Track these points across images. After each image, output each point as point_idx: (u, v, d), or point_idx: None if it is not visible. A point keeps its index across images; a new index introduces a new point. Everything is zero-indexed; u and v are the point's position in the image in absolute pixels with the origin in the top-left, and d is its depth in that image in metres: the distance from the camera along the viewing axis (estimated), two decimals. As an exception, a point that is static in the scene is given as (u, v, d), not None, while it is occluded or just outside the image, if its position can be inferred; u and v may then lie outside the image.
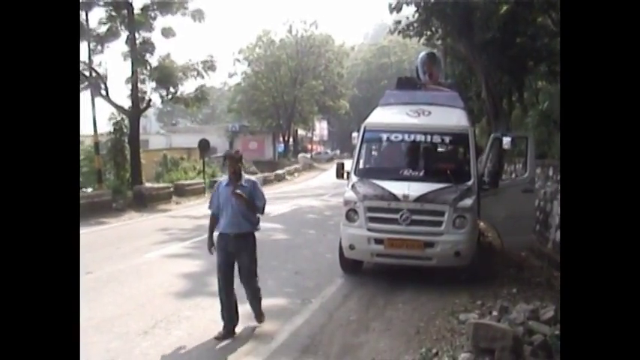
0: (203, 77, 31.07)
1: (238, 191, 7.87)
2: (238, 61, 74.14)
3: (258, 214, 8.33)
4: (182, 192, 29.23)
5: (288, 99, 70.63)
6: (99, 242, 16.00)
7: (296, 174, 54.78)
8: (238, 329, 8.38)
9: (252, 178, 8.55)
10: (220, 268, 8.16)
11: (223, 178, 8.39)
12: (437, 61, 15.27)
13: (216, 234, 8.27)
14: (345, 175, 11.84)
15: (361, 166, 11.94)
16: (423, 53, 15.85)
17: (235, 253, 8.14)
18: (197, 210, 23.51)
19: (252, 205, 8.10)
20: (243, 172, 8.25)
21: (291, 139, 76.09)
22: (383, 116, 12.45)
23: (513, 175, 18.45)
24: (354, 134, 12.41)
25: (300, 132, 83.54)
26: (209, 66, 30.93)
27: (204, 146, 35.24)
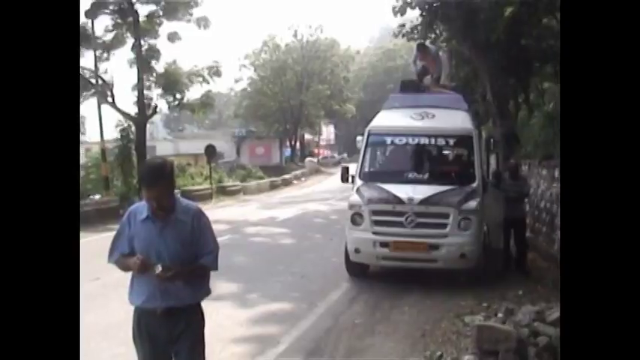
0: (209, 83, 31.35)
1: (161, 271, 4.27)
2: (244, 66, 74.02)
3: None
4: (189, 198, 28.69)
5: (295, 103, 70.49)
6: (106, 248, 16.03)
7: (303, 178, 54.79)
8: (244, 331, 8.49)
9: (193, 204, 4.81)
10: None
11: (139, 204, 4.69)
12: (429, 51, 15.21)
13: (130, 309, 4.73)
14: (350, 178, 11.84)
15: (366, 169, 11.95)
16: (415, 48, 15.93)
17: (168, 345, 4.59)
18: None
19: (195, 265, 4.53)
20: (178, 196, 4.70)
21: (297, 144, 76.02)
22: (387, 119, 12.47)
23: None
24: (359, 138, 12.45)
25: (307, 136, 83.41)
26: (214, 71, 31.13)
27: (210, 152, 35.37)
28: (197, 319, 4.70)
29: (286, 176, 49.96)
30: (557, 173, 14.01)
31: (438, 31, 25.21)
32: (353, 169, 12.12)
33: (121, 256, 4.62)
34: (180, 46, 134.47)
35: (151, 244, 4.43)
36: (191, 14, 29.43)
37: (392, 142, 12.18)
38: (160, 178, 4.34)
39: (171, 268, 4.28)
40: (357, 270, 11.74)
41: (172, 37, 29.65)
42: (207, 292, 4.73)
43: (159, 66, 29.70)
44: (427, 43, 21.78)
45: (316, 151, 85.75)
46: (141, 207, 4.58)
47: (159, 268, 4.24)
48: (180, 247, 4.44)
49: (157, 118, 57.52)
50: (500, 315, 8.19)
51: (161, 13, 28.93)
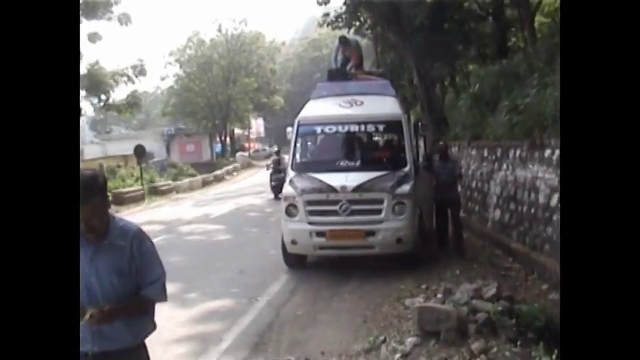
0: (134, 82, 30.83)
1: (89, 317, 3.41)
2: (170, 63, 73.33)
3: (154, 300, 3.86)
4: (121, 200, 28.73)
5: (222, 98, 70.02)
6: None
7: (235, 173, 54.49)
8: (186, 331, 8.45)
9: (133, 224, 3.80)
10: None
11: None
12: (352, 43, 15.30)
13: None
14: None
15: (298, 160, 11.96)
16: (336, 40, 15.98)
17: None
18: (137, 217, 23.11)
19: (137, 299, 3.72)
20: (113, 215, 3.75)
21: (228, 139, 75.59)
22: (316, 109, 12.47)
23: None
24: (289, 129, 12.41)
25: (237, 131, 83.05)
26: (139, 70, 30.64)
27: (140, 152, 34.78)
28: None
29: (218, 172, 49.49)
30: (485, 153, 14.26)
31: (362, 19, 25.43)
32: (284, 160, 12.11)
33: None
34: (103, 46, 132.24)
35: (80, 275, 3.38)
36: (111, 12, 28.88)
37: (322, 132, 12.20)
38: (90, 195, 3.42)
39: (104, 308, 3.45)
40: (295, 261, 11.74)
41: (93, 37, 29.05)
42: (152, 328, 3.91)
43: (81, 67, 29.04)
44: (349, 33, 22.00)
45: (247, 145, 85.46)
46: None
47: (89, 313, 3.40)
48: (116, 278, 3.59)
49: (82, 120, 56.54)
50: (439, 295, 8.29)
51: (80, 11, 28.28)
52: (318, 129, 12.18)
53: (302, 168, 11.64)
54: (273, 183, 26.61)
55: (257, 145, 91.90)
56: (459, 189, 13.45)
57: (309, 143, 12.87)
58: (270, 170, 27.99)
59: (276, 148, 31.91)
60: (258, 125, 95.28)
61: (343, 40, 15.29)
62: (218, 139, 72.90)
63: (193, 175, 45.38)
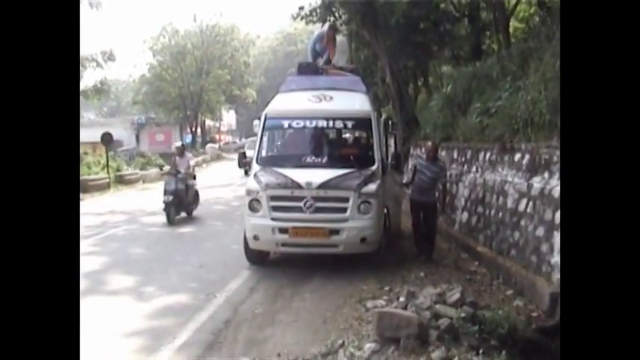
0: (103, 68, 30.40)
1: None
2: (142, 51, 72.90)
3: None
4: (86, 188, 28.29)
5: (195, 89, 69.70)
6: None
7: (204, 165, 54.14)
8: (140, 326, 8.18)
9: None
10: None
11: None
12: (332, 36, 15.13)
13: None
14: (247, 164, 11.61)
15: (263, 154, 11.70)
16: (322, 29, 15.78)
17: None
18: (100, 206, 22.82)
19: None
20: None
21: (198, 130, 75.26)
22: (284, 103, 12.23)
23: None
24: (256, 122, 12.16)
25: (208, 122, 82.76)
26: (109, 56, 30.21)
27: (107, 140, 34.45)
28: None
29: (187, 163, 49.16)
30: (455, 154, 14.16)
31: (337, 14, 25.33)
32: (251, 154, 11.88)
33: None
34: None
35: None
36: (81, -7, 28.44)
37: (289, 126, 11.95)
38: None
39: None
40: (257, 257, 11.52)
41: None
42: None
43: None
44: (322, 28, 21.84)
45: (217, 136, 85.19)
46: None
47: None
48: None
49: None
50: (402, 299, 8.11)
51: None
52: (286, 123, 11.93)
53: (267, 162, 11.40)
54: (166, 197, 17.64)
55: (228, 138, 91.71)
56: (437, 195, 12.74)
57: (275, 137, 12.64)
58: (166, 176, 19.61)
59: (179, 143, 23.80)
60: (229, 117, 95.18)
61: (334, 29, 15.12)
62: (189, 129, 72.47)
63: (161, 166, 44.99)
